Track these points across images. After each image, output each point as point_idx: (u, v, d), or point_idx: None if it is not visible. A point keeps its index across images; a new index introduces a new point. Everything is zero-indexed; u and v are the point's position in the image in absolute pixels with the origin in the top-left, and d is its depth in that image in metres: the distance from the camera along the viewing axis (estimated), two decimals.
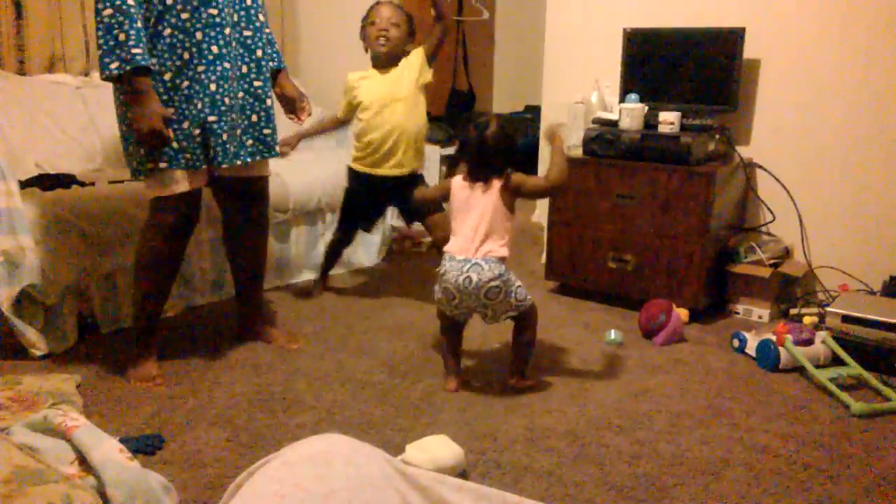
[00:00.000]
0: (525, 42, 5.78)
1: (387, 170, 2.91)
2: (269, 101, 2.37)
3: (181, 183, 2.17)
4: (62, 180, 2.69)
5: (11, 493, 1.24)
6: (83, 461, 1.42)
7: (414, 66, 2.89)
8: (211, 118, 2.18)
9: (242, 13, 2.25)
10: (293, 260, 3.33)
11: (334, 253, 3.21)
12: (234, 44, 2.21)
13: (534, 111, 5.26)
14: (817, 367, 2.39)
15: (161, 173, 2.14)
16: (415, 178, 2.93)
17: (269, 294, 3.08)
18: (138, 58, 1.96)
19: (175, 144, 2.14)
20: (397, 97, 2.87)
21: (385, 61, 2.90)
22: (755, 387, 2.33)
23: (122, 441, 1.55)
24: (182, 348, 2.50)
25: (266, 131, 2.34)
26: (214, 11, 2.15)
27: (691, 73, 3.04)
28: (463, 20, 5.83)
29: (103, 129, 3.16)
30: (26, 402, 1.97)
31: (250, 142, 2.30)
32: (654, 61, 3.12)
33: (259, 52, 2.34)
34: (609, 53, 3.27)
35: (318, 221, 3.44)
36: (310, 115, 2.55)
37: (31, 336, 2.37)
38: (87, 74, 3.37)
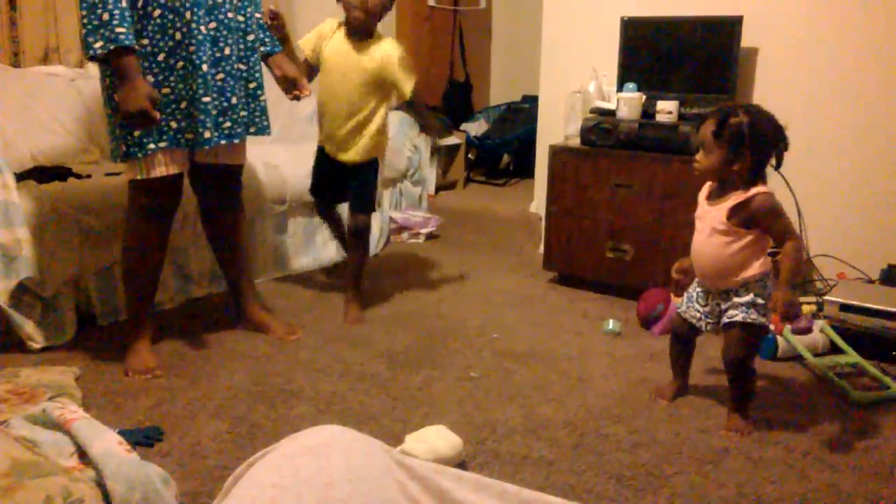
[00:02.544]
0: (522, 32, 5.77)
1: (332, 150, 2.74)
2: (252, 85, 2.36)
3: (161, 167, 2.17)
4: (58, 172, 2.68)
5: (11, 485, 1.24)
6: (82, 454, 1.42)
7: (374, 63, 2.60)
8: (205, 98, 2.18)
9: None
10: (290, 251, 3.33)
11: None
12: (213, 24, 2.20)
13: (531, 101, 5.25)
14: (815, 355, 2.39)
15: (144, 157, 2.14)
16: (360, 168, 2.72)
17: (267, 285, 3.08)
18: (122, 37, 1.94)
19: (174, 124, 2.15)
20: (346, 73, 2.62)
21: (358, 30, 2.62)
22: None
23: (121, 433, 1.55)
24: (181, 340, 2.50)
25: (243, 113, 2.33)
26: None
27: (689, 62, 3.03)
28: (460, 9, 5.81)
29: (98, 121, 3.15)
30: (25, 395, 1.97)
31: (227, 124, 2.28)
32: (652, 50, 3.11)
33: (251, 37, 2.34)
34: (607, 42, 3.25)
35: (315, 212, 3.43)
36: (309, 94, 2.52)
37: (29, 329, 2.36)
38: (82, 66, 3.35)
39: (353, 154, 2.70)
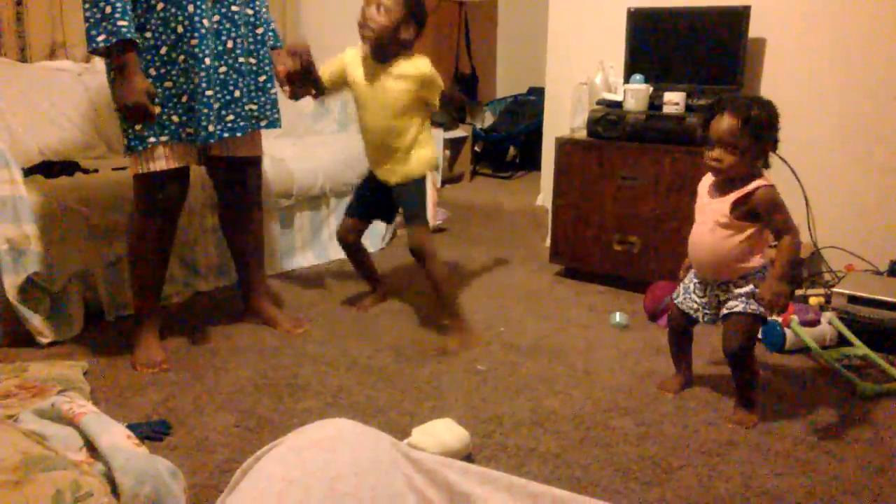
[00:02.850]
0: (528, 23, 5.74)
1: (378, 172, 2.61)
2: (262, 78, 2.35)
3: (161, 161, 2.17)
4: (65, 167, 2.69)
5: (20, 479, 1.24)
6: (91, 448, 1.42)
7: (405, 84, 2.44)
8: (208, 92, 2.18)
9: None
10: (297, 245, 3.33)
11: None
12: (217, 17, 2.20)
13: (538, 93, 5.24)
14: (823, 347, 2.39)
15: (145, 150, 2.15)
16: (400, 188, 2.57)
17: (273, 279, 3.09)
18: (124, 30, 1.96)
19: (175, 118, 2.15)
20: (379, 104, 2.48)
21: (373, 51, 2.47)
22: (761, 368, 2.32)
23: (129, 427, 1.56)
24: (188, 334, 2.51)
25: (249, 107, 2.33)
26: None
27: (696, 52, 3.01)
28: (466, 1, 5.79)
29: (105, 115, 3.16)
30: (34, 390, 1.98)
31: (231, 117, 2.28)
32: (659, 41, 3.09)
33: (260, 30, 2.33)
34: (613, 34, 3.24)
35: (322, 207, 3.43)
36: (311, 93, 2.51)
37: (37, 323, 2.37)
38: (88, 61, 3.35)
39: (401, 175, 2.54)
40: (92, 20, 1.96)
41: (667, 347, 2.24)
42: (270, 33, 2.42)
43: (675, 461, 1.80)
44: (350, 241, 2.76)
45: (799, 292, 2.88)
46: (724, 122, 1.85)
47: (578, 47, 3.45)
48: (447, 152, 5.05)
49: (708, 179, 2.01)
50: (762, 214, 1.88)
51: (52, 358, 2.29)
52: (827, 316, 2.48)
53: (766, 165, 1.92)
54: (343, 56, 2.56)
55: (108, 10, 1.94)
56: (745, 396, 2.01)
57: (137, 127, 2.11)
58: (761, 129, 1.84)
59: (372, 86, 2.49)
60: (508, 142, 5.55)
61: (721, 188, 1.95)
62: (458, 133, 5.18)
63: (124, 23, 1.96)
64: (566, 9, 3.50)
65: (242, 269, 2.62)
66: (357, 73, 2.52)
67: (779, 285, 1.83)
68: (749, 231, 1.90)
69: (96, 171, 2.73)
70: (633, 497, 1.66)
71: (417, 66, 2.45)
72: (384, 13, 2.38)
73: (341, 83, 2.57)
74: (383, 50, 2.45)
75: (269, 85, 2.38)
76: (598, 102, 3.11)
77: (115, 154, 3.09)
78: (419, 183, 2.56)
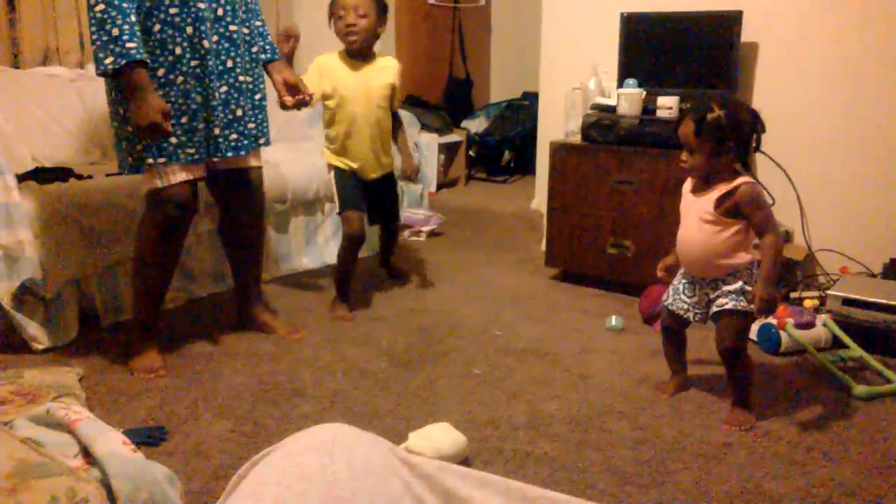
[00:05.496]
0: (522, 28, 5.76)
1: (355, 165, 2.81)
2: (258, 96, 2.36)
3: (175, 175, 2.17)
4: (59, 173, 2.68)
5: (16, 486, 1.24)
6: (87, 454, 1.42)
7: (388, 76, 2.79)
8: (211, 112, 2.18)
9: (228, 8, 2.23)
10: (292, 250, 3.33)
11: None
12: (215, 37, 2.20)
13: (532, 98, 5.25)
14: (818, 350, 2.39)
15: (156, 167, 2.14)
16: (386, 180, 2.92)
17: (268, 284, 3.08)
18: (133, 52, 1.95)
19: (174, 140, 2.13)
20: (366, 95, 2.75)
21: (357, 54, 2.75)
22: (757, 370, 2.33)
23: (125, 433, 1.55)
24: (184, 340, 2.50)
25: (250, 125, 2.34)
26: (203, 6, 2.13)
27: (689, 57, 3.03)
28: (460, 7, 5.80)
29: (99, 121, 3.15)
30: (29, 396, 1.97)
31: (234, 136, 2.29)
32: (652, 46, 3.10)
33: (255, 48, 2.34)
34: (607, 38, 3.25)
35: (317, 211, 3.43)
36: (311, 99, 2.51)
37: (32, 330, 2.37)
38: (81, 67, 3.35)
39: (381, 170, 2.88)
40: (99, 42, 1.94)
41: (662, 351, 2.25)
42: (267, 46, 2.42)
43: (671, 464, 1.81)
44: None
45: (794, 295, 2.89)
46: (682, 126, 1.92)
47: (572, 52, 3.46)
48: (442, 157, 5.05)
49: (691, 180, 2.05)
50: (744, 211, 1.90)
51: (48, 364, 2.29)
52: (821, 318, 2.49)
53: (746, 167, 1.95)
54: (319, 65, 2.78)
55: (116, 32, 1.93)
56: (741, 396, 2.02)
57: (138, 147, 2.11)
58: (719, 130, 1.86)
59: (356, 79, 2.75)
60: (503, 146, 5.56)
61: (703, 186, 1.98)
62: (453, 138, 5.18)
63: (133, 44, 1.95)
64: (560, 14, 3.51)
65: (239, 278, 2.61)
66: (341, 74, 2.75)
67: (767, 288, 1.85)
68: (735, 227, 1.92)
69: (90, 177, 2.73)
70: (630, 500, 1.67)
71: (395, 61, 2.85)
72: (366, 18, 2.67)
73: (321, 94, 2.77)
74: (367, 49, 2.76)
75: (263, 102, 2.40)
76: (592, 107, 3.12)
77: (109, 160, 3.08)
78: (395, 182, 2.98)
